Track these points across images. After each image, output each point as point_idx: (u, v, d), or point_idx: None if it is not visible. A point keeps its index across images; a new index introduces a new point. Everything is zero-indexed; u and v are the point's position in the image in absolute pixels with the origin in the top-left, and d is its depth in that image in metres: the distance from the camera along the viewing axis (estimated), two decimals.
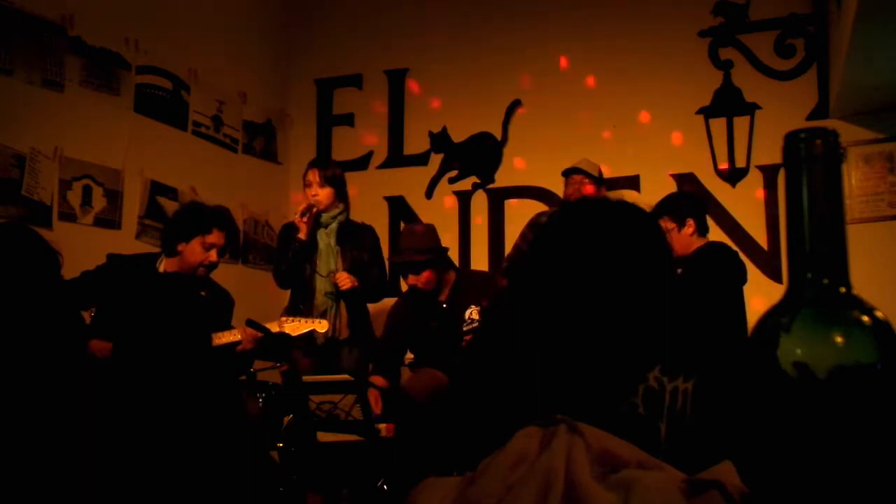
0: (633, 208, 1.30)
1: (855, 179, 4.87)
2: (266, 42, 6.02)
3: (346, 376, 3.59)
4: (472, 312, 4.08)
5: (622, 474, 0.84)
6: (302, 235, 4.20)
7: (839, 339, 0.74)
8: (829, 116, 4.95)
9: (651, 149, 5.31)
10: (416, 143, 5.92)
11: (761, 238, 5.08)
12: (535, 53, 5.65)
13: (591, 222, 1.28)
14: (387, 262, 4.59)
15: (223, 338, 3.67)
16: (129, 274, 3.69)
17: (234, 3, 5.75)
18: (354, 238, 4.34)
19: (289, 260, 4.23)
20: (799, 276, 0.76)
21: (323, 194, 4.25)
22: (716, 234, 4.77)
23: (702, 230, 4.07)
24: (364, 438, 3.46)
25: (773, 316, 0.77)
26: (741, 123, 5.24)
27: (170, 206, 4.87)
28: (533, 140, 5.63)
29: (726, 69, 5.31)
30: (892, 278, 4.38)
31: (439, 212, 5.65)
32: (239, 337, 3.68)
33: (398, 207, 5.86)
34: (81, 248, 3.94)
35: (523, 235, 4.02)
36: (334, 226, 4.32)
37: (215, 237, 3.70)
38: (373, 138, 6.02)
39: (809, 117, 5.03)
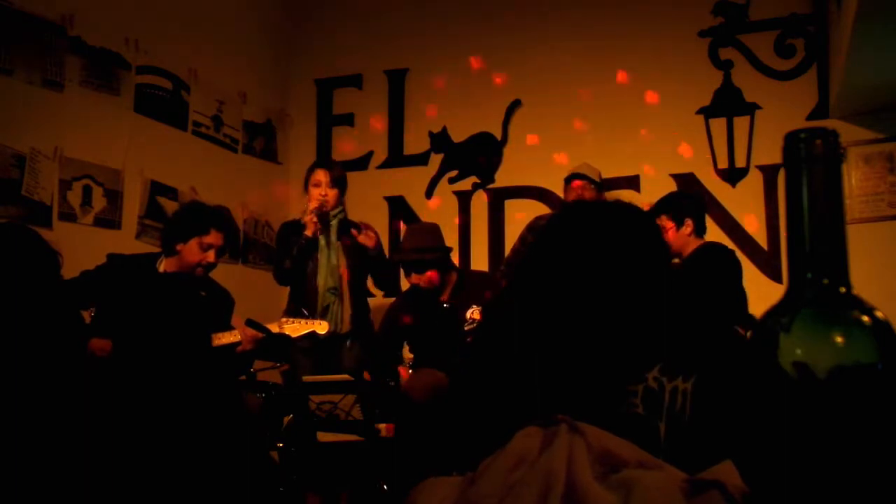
0: (630, 208, 1.31)
1: (855, 179, 4.87)
2: (266, 42, 6.02)
3: (346, 376, 3.60)
4: (474, 313, 4.08)
5: (623, 474, 0.84)
6: (308, 233, 4.21)
7: (839, 339, 0.74)
8: (829, 116, 4.95)
9: (651, 149, 5.31)
10: (416, 143, 5.92)
11: (761, 238, 5.08)
12: (534, 53, 5.65)
13: (589, 223, 1.28)
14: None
15: (223, 338, 3.67)
16: (129, 274, 3.69)
17: (234, 3, 5.75)
18: (353, 234, 4.36)
19: (294, 257, 4.24)
20: (799, 276, 0.76)
21: (332, 194, 4.28)
22: (716, 234, 4.77)
23: (700, 230, 4.08)
24: (364, 438, 3.46)
25: (773, 316, 0.77)
26: (741, 123, 5.24)
27: (170, 206, 4.87)
28: (533, 140, 5.63)
29: (726, 69, 5.31)
30: (892, 278, 4.38)
31: (439, 212, 5.65)
32: (239, 338, 3.68)
33: (398, 207, 5.86)
34: (81, 248, 3.94)
35: (522, 239, 4.02)
36: (335, 223, 4.35)
37: (213, 238, 3.70)
38: (373, 138, 6.02)
39: (809, 117, 5.03)
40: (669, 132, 5.32)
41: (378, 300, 4.77)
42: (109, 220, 4.61)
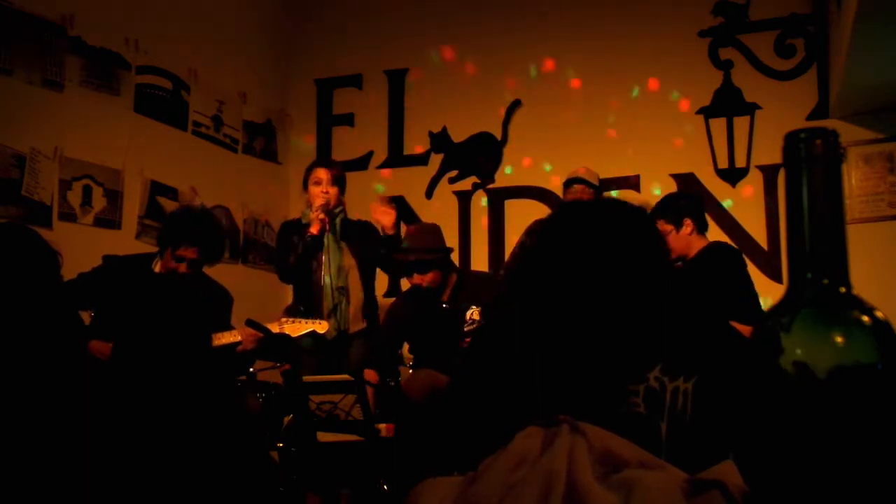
0: (627, 207, 1.31)
1: (855, 179, 4.87)
2: (266, 42, 6.02)
3: (346, 376, 3.59)
4: (474, 313, 4.08)
5: (624, 474, 0.84)
6: (315, 230, 4.20)
7: (839, 339, 0.74)
8: (829, 116, 4.95)
9: (651, 149, 5.31)
10: (416, 143, 5.92)
11: (761, 238, 5.08)
12: (535, 53, 5.65)
13: (588, 223, 1.28)
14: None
15: (223, 338, 3.67)
16: (127, 275, 3.68)
17: (234, 3, 5.75)
18: (360, 234, 4.36)
19: (299, 254, 4.23)
20: (799, 276, 0.76)
21: (333, 192, 4.28)
22: (716, 234, 4.76)
23: (701, 229, 4.03)
24: (364, 438, 3.46)
25: (773, 316, 0.77)
26: (741, 123, 5.24)
27: (170, 206, 4.87)
28: (533, 140, 5.64)
29: (726, 69, 5.31)
30: (892, 278, 4.38)
31: (439, 212, 5.64)
32: (239, 337, 3.67)
33: (398, 207, 5.85)
34: (81, 248, 3.94)
35: (521, 244, 4.00)
36: (337, 222, 4.35)
37: (184, 251, 3.62)
38: (373, 138, 6.02)
39: (809, 117, 5.03)
40: (669, 132, 5.32)
41: (378, 300, 4.75)
42: (109, 220, 4.61)
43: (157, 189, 4.93)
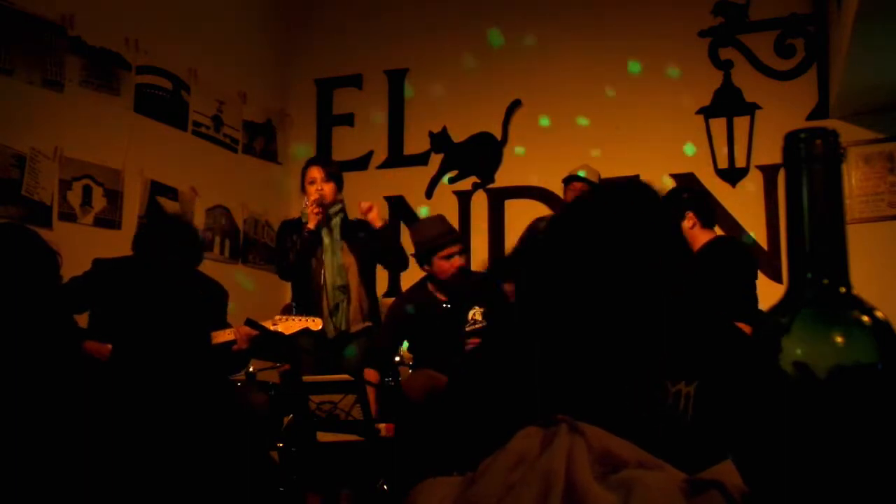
0: (636, 207, 1.29)
1: (855, 179, 4.87)
2: (266, 42, 6.02)
3: (345, 376, 3.59)
4: (476, 314, 4.07)
5: (623, 474, 0.84)
6: (311, 225, 4.20)
7: (839, 339, 0.74)
8: (829, 116, 4.96)
9: (651, 149, 5.31)
10: (416, 143, 5.92)
11: (761, 238, 5.08)
12: (534, 53, 5.65)
13: (587, 223, 1.28)
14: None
15: (219, 337, 3.67)
16: (121, 276, 3.67)
17: (234, 3, 5.75)
18: (361, 232, 4.36)
19: (298, 251, 4.23)
20: (799, 276, 0.76)
21: (327, 188, 4.28)
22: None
23: (705, 222, 3.93)
24: (364, 438, 3.46)
25: (773, 316, 0.77)
26: (741, 123, 5.24)
27: (170, 206, 4.87)
28: (533, 140, 5.64)
29: (726, 69, 5.31)
30: (892, 278, 4.38)
31: (439, 212, 5.63)
32: (234, 336, 3.67)
33: (398, 207, 5.86)
34: (81, 248, 3.93)
35: (521, 241, 3.99)
36: (337, 221, 4.34)
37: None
38: (373, 138, 6.01)
39: (809, 117, 5.03)
40: (669, 132, 5.32)
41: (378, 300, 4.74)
42: (109, 220, 4.61)
43: (157, 189, 4.93)
